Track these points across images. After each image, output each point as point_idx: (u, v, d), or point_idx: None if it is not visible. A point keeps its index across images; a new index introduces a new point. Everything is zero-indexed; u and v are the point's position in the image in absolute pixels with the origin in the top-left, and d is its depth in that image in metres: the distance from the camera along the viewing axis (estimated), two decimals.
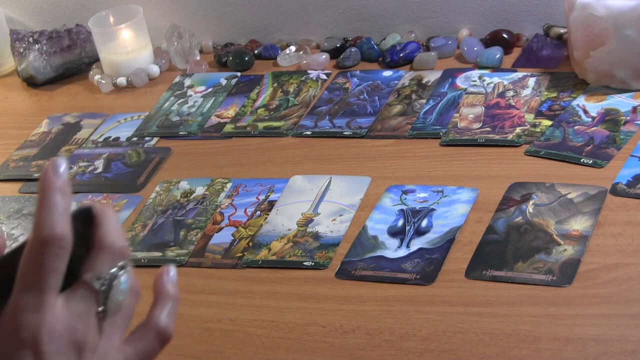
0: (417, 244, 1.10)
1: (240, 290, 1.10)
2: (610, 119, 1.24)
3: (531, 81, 1.36)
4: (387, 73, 1.47)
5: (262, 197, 1.25)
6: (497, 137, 1.26)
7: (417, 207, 1.16)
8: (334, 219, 1.18)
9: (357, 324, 1.02)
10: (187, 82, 1.57)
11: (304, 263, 1.12)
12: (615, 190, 1.12)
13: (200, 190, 1.29)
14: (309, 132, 1.37)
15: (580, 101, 1.29)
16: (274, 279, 1.11)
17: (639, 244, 1.04)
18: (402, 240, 1.12)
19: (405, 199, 1.18)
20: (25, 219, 1.31)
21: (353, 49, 1.53)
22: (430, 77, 1.44)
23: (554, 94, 1.32)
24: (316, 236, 1.16)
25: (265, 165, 1.32)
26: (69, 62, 1.66)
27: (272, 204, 1.23)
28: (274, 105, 1.46)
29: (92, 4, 1.71)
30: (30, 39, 1.64)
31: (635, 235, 1.05)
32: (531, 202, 1.12)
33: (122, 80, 1.60)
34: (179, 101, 1.52)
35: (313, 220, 1.18)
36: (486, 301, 1.01)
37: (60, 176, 0.63)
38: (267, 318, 1.05)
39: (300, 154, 1.33)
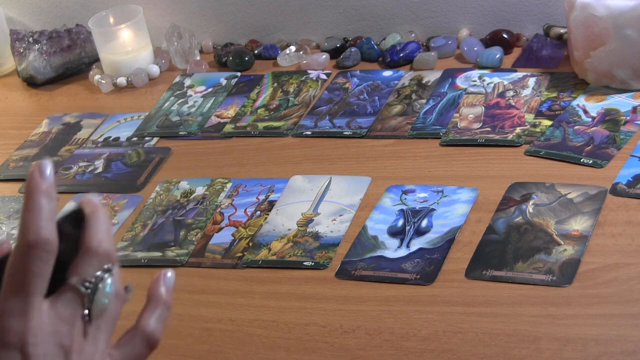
0: (417, 244, 1.10)
1: (240, 290, 1.10)
2: (610, 119, 1.24)
3: (531, 81, 1.36)
4: (387, 73, 1.47)
5: (262, 197, 1.25)
6: (497, 137, 1.26)
7: (417, 207, 1.16)
8: (334, 219, 1.18)
9: (357, 324, 1.02)
10: (187, 82, 1.57)
11: (304, 263, 1.12)
12: (615, 190, 1.12)
13: (200, 190, 1.29)
14: (309, 132, 1.37)
15: (580, 101, 1.29)
16: (274, 279, 1.11)
17: (639, 244, 1.04)
18: (402, 240, 1.12)
19: (405, 199, 1.18)
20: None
21: (353, 49, 1.53)
22: (430, 77, 1.44)
23: (554, 94, 1.32)
24: (316, 236, 1.16)
25: (265, 165, 1.32)
26: (69, 62, 1.66)
27: (272, 204, 1.23)
28: (274, 105, 1.46)
29: (92, 4, 1.71)
30: (30, 39, 1.64)
31: (635, 235, 1.05)
32: (531, 202, 1.12)
33: (122, 80, 1.60)
34: (179, 101, 1.52)
35: (313, 220, 1.18)
36: (486, 301, 1.01)
37: (46, 179, 0.63)
38: (267, 318, 1.05)
39: (300, 154, 1.33)
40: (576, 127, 1.24)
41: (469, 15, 1.52)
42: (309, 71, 1.53)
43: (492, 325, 0.97)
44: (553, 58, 1.41)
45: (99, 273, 0.65)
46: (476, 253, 1.07)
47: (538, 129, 1.26)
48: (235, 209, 1.24)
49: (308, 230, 1.17)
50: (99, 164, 1.40)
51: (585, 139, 1.22)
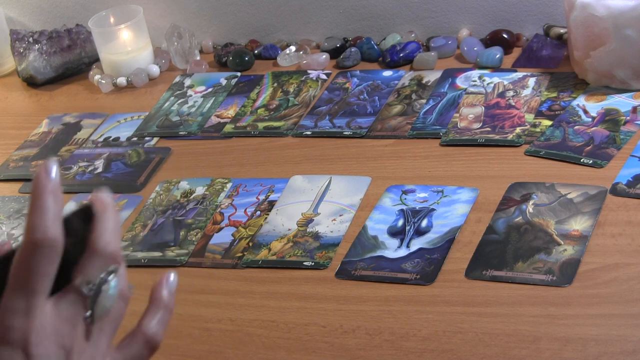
0: (417, 244, 1.10)
1: (240, 290, 1.10)
2: (610, 119, 1.24)
3: (531, 81, 1.36)
4: (387, 73, 1.47)
5: (262, 197, 1.25)
6: (497, 137, 1.26)
7: (417, 207, 1.16)
8: (334, 219, 1.18)
9: (357, 324, 1.02)
10: (187, 82, 1.57)
11: (304, 263, 1.12)
12: (615, 190, 1.12)
13: (200, 190, 1.29)
14: (309, 132, 1.37)
15: (580, 101, 1.29)
16: (274, 279, 1.11)
17: (639, 244, 1.04)
18: (402, 240, 1.12)
19: (405, 199, 1.18)
20: (25, 219, 1.31)
21: (353, 49, 1.53)
22: (430, 77, 1.44)
23: (554, 94, 1.32)
24: (316, 236, 1.16)
25: (265, 165, 1.32)
26: (69, 62, 1.66)
27: (272, 204, 1.23)
28: (274, 105, 1.46)
29: (92, 4, 1.71)
30: (30, 39, 1.64)
31: (635, 235, 1.05)
32: (531, 202, 1.12)
33: (122, 80, 1.60)
34: (179, 101, 1.52)
35: (313, 220, 1.18)
36: (486, 301, 1.01)
37: (52, 179, 0.63)
38: (267, 318, 1.05)
39: (300, 154, 1.33)
40: (576, 127, 1.24)
41: (469, 15, 1.52)
42: (309, 71, 1.53)
43: (492, 325, 0.97)
44: (553, 58, 1.41)
45: (103, 275, 0.65)
46: (476, 253, 1.07)
47: (538, 129, 1.26)
48: (235, 209, 1.24)
49: (308, 230, 1.17)
50: (99, 164, 1.40)
51: (585, 139, 1.22)
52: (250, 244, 1.17)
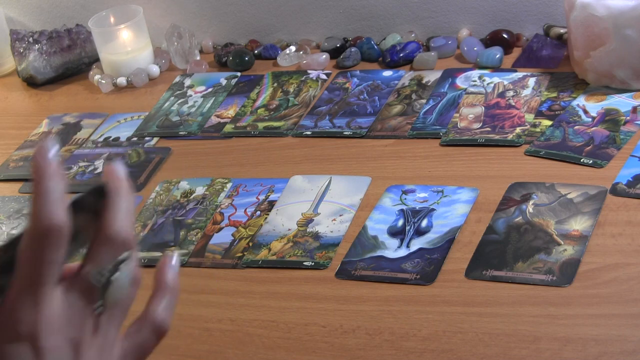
0: (417, 244, 1.10)
1: (240, 290, 1.10)
2: (610, 119, 1.24)
3: (531, 81, 1.36)
4: (387, 73, 1.47)
5: (262, 197, 1.25)
6: (497, 137, 1.26)
7: (417, 207, 1.16)
8: (334, 219, 1.18)
9: (357, 324, 1.02)
10: (187, 82, 1.57)
11: (304, 263, 1.12)
12: (615, 190, 1.12)
13: (200, 190, 1.29)
14: (309, 132, 1.37)
15: (580, 101, 1.29)
16: (274, 279, 1.11)
17: (639, 244, 1.04)
18: (402, 240, 1.12)
19: (405, 199, 1.18)
20: (25, 219, 1.31)
21: (353, 49, 1.53)
22: (430, 77, 1.44)
23: (554, 94, 1.32)
24: (316, 236, 1.16)
25: (265, 165, 1.32)
26: (69, 62, 1.66)
27: (272, 204, 1.23)
28: (274, 105, 1.46)
29: (92, 4, 1.71)
30: (30, 39, 1.64)
31: (635, 235, 1.05)
32: (531, 202, 1.12)
33: (122, 80, 1.60)
34: (179, 101, 1.52)
35: (313, 220, 1.18)
36: (486, 301, 1.01)
37: (51, 160, 0.59)
38: (267, 318, 1.05)
39: (300, 154, 1.33)
40: (576, 127, 1.24)
41: (469, 15, 1.52)
42: (309, 71, 1.53)
43: (492, 325, 0.97)
44: (553, 58, 1.41)
45: (114, 264, 0.62)
46: (476, 253, 1.07)
47: (538, 129, 1.26)
48: (235, 209, 1.24)
49: (308, 230, 1.17)
50: (99, 164, 1.40)
51: (585, 139, 1.22)
52: (250, 244, 1.17)
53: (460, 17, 1.53)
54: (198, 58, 1.63)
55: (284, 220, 1.20)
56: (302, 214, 1.20)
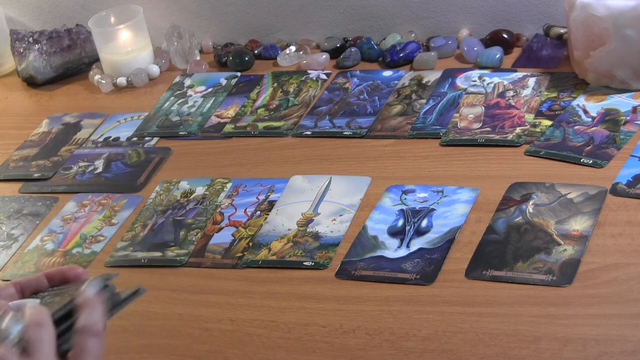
0: (417, 244, 1.10)
1: (240, 290, 1.10)
2: (610, 119, 1.24)
3: (531, 81, 1.36)
4: (387, 73, 1.47)
5: (262, 197, 1.25)
6: (497, 137, 1.26)
7: (417, 207, 1.16)
8: (334, 219, 1.18)
9: (357, 324, 1.02)
10: (187, 82, 1.57)
11: (304, 263, 1.12)
12: (615, 190, 1.12)
13: (200, 190, 1.29)
14: (309, 132, 1.37)
15: (580, 101, 1.29)
16: (274, 279, 1.11)
17: (639, 244, 1.04)
18: (402, 240, 1.12)
19: (405, 199, 1.18)
20: (25, 219, 1.31)
21: (353, 49, 1.53)
22: (430, 77, 1.44)
23: (554, 94, 1.32)
24: (316, 236, 1.16)
25: (265, 165, 1.32)
26: (69, 62, 1.66)
27: (272, 204, 1.23)
28: (274, 105, 1.46)
29: (92, 4, 1.71)
30: (30, 39, 1.64)
31: (635, 235, 1.05)
32: (531, 202, 1.12)
33: (122, 80, 1.60)
34: (179, 101, 1.52)
35: (313, 220, 1.18)
36: (486, 301, 1.01)
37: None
38: (267, 318, 1.05)
39: (300, 154, 1.33)
40: (576, 127, 1.24)
41: (469, 15, 1.52)
42: (309, 71, 1.53)
43: (492, 325, 0.97)
44: (553, 58, 1.41)
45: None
46: (476, 253, 1.07)
47: (538, 129, 1.26)
48: (235, 209, 1.24)
49: (308, 230, 1.17)
50: (99, 164, 1.40)
51: (585, 139, 1.22)
52: (250, 244, 1.17)
53: (460, 17, 1.53)
54: (198, 58, 1.63)
55: (284, 220, 1.20)
56: (302, 214, 1.20)
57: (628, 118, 1.24)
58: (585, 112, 1.27)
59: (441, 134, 1.30)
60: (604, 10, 1.25)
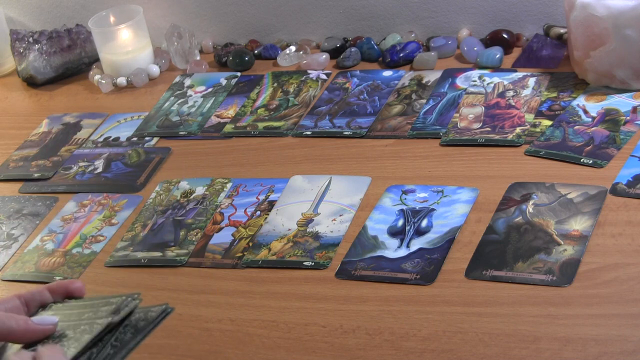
0: (417, 244, 1.10)
1: (240, 290, 1.10)
2: (610, 119, 1.24)
3: (531, 81, 1.36)
4: (387, 73, 1.47)
5: (262, 197, 1.25)
6: (497, 137, 1.26)
7: (417, 207, 1.16)
8: (334, 219, 1.18)
9: (357, 324, 1.02)
10: (187, 82, 1.57)
11: (304, 263, 1.12)
12: (615, 190, 1.12)
13: (200, 190, 1.29)
14: (309, 132, 1.37)
15: (580, 101, 1.29)
16: (274, 279, 1.11)
17: (639, 244, 1.04)
18: (402, 240, 1.12)
19: (405, 199, 1.18)
20: (25, 219, 1.31)
21: (353, 49, 1.53)
22: (430, 77, 1.44)
23: (554, 94, 1.32)
24: (316, 236, 1.16)
25: (265, 165, 1.32)
26: (69, 62, 1.66)
27: (272, 204, 1.23)
28: (274, 105, 1.46)
29: (92, 4, 1.71)
30: (30, 39, 1.64)
31: (635, 235, 1.05)
32: (531, 202, 1.12)
33: (122, 80, 1.60)
34: (179, 101, 1.52)
35: (313, 220, 1.18)
36: (486, 301, 1.01)
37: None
38: (267, 318, 1.05)
39: (300, 154, 1.33)
40: (576, 127, 1.24)
41: (469, 15, 1.52)
42: (309, 71, 1.53)
43: (492, 325, 0.97)
44: (553, 58, 1.41)
45: None
46: (476, 253, 1.07)
47: (538, 129, 1.26)
48: (235, 209, 1.24)
49: (308, 230, 1.17)
50: (99, 164, 1.40)
51: (585, 139, 1.22)
52: (250, 244, 1.17)
53: (460, 17, 1.53)
54: (198, 58, 1.63)
55: (284, 220, 1.20)
56: (302, 214, 1.20)
57: (628, 118, 1.24)
58: (585, 112, 1.27)
59: (441, 134, 1.30)
60: (604, 10, 1.25)
